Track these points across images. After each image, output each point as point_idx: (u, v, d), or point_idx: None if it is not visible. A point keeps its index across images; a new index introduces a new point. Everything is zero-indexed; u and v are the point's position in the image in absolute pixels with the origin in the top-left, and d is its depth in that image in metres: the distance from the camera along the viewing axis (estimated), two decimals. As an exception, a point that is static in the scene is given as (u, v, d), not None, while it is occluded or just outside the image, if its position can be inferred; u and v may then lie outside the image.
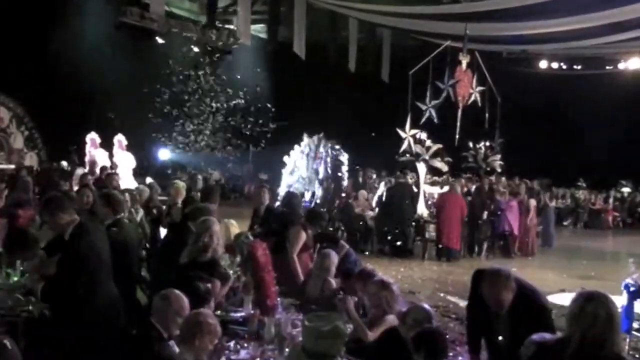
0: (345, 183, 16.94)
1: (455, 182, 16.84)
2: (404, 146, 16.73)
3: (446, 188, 16.26)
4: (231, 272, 6.74)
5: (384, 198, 16.31)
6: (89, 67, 20.54)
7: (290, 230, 8.28)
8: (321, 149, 16.16)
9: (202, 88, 27.09)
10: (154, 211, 9.98)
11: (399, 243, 15.59)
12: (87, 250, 5.04)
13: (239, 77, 27.90)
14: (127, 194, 9.09)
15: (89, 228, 5.22)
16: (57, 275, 5.02)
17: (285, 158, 16.64)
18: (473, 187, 17.81)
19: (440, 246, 15.37)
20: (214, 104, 27.44)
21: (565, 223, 25.13)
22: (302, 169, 16.40)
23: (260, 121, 27.82)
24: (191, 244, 6.22)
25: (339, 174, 16.37)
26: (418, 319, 5.00)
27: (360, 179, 19.91)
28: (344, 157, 16.33)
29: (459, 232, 15.36)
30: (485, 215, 16.14)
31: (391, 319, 5.52)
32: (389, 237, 15.73)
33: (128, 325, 5.20)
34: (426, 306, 5.41)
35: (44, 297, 5.21)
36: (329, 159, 16.09)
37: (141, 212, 9.67)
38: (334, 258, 7.30)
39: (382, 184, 17.72)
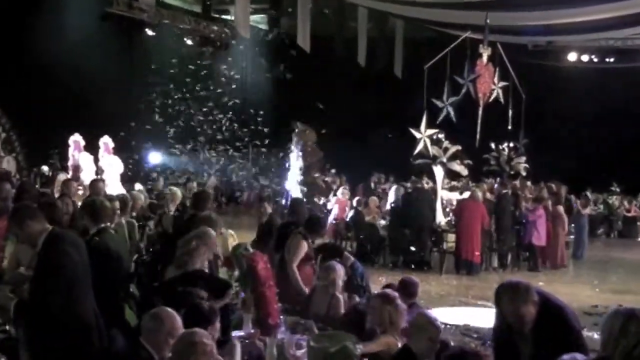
0: (322, 184, 17.06)
1: (478, 187, 16.80)
2: (419, 148, 16.70)
3: (467, 194, 16.22)
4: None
5: (399, 204, 16.28)
6: (72, 63, 20.58)
7: (289, 240, 8.28)
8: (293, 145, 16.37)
9: (196, 85, 27.15)
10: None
11: (415, 254, 15.58)
12: (61, 260, 5.00)
13: (235, 74, 27.92)
14: (116, 202, 9.09)
15: (63, 237, 5.20)
16: (30, 291, 5.02)
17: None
18: (495, 193, 17.76)
19: (459, 258, 15.34)
20: (210, 103, 27.49)
21: (597, 232, 25.04)
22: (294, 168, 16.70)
23: (260, 118, 27.80)
24: (179, 250, 6.23)
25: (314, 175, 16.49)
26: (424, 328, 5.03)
27: (372, 184, 19.93)
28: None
29: (479, 242, 15.30)
30: (509, 224, 16.10)
31: (390, 342, 5.48)
32: (404, 248, 15.71)
33: (112, 347, 5.19)
34: (429, 313, 5.40)
35: (16, 315, 5.18)
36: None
37: (134, 222, 9.66)
38: (340, 270, 7.28)
39: (394, 189, 17.70)
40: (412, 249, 15.60)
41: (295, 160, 17.07)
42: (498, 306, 4.91)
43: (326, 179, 20.05)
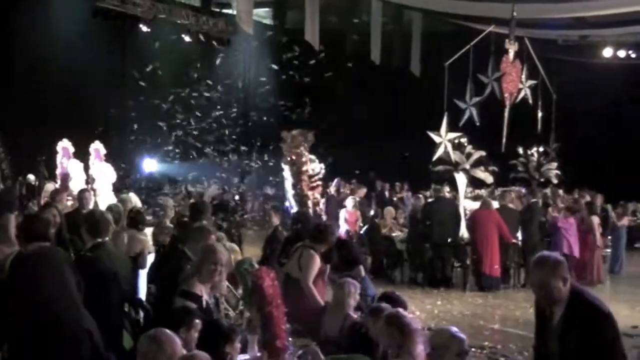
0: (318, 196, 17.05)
1: (504, 196, 16.77)
2: (439, 153, 16.70)
3: (494, 204, 16.21)
4: (230, 310, 6.76)
5: (418, 215, 16.28)
6: (60, 63, 20.72)
7: (299, 255, 8.28)
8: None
9: (195, 85, 27.19)
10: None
11: (436, 270, 15.58)
12: (26, 287, 5.09)
13: (238, 73, 27.98)
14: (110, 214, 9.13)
15: (30, 258, 5.27)
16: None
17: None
18: (522, 203, 17.73)
19: (477, 273, 15.36)
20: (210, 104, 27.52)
21: (636, 245, 24.94)
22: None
23: (264, 117, 27.76)
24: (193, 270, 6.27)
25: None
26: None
27: (387, 193, 19.92)
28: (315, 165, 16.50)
29: (497, 254, 15.29)
30: (538, 236, 16.08)
31: None
32: (424, 263, 15.71)
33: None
34: (445, 327, 5.38)
35: None
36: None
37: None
38: (354, 288, 7.29)
39: (412, 199, 17.72)
40: (433, 264, 15.59)
41: (288, 175, 17.17)
42: (531, 284, 5.08)
43: (331, 189, 20.05)
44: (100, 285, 6.25)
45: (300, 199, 16.64)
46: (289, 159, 16.48)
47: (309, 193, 16.90)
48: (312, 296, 8.01)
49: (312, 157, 17.56)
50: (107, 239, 6.85)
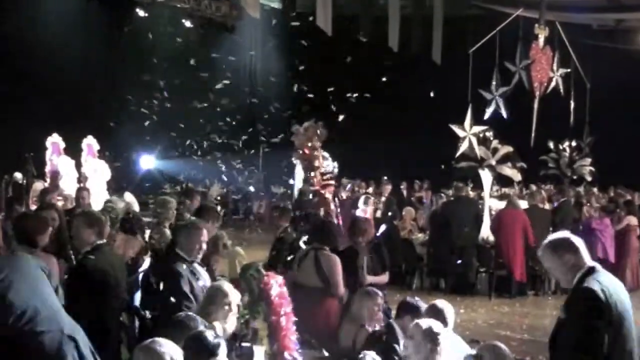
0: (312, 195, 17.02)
1: (533, 195, 16.73)
2: (463, 148, 16.69)
3: (522, 203, 16.16)
4: (236, 316, 6.77)
5: (439, 216, 16.26)
6: (50, 51, 20.73)
7: (318, 261, 8.23)
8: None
9: (196, 75, 27.23)
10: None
11: (458, 275, 15.57)
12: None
13: (243, 62, 28.00)
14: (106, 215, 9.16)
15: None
16: None
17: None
18: (553, 202, 17.70)
19: (501, 277, 15.36)
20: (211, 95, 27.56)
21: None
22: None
23: (272, 110, 27.79)
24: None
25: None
26: None
27: (405, 192, 19.89)
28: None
29: (523, 257, 15.26)
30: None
31: None
32: (446, 268, 15.70)
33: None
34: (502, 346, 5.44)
35: None
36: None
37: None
38: (379, 299, 7.30)
39: (434, 197, 17.70)
40: (455, 269, 15.58)
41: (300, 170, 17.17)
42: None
43: (343, 194, 20.00)
44: (102, 291, 6.34)
45: (313, 196, 16.61)
46: (300, 152, 16.45)
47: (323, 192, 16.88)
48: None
49: (325, 154, 17.55)
50: (105, 241, 6.94)
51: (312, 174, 15.74)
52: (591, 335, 4.93)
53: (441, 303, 6.90)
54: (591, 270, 5.21)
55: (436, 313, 6.56)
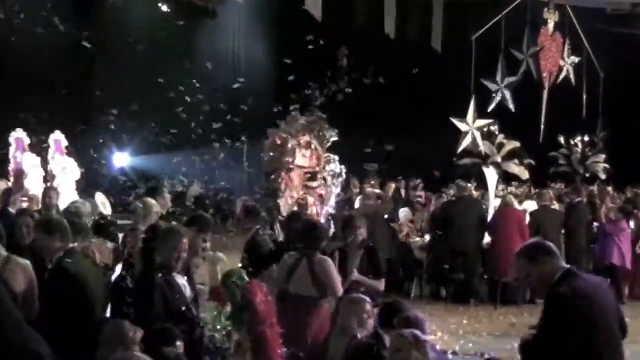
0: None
1: (542, 195, 16.72)
2: (466, 143, 16.71)
3: (529, 204, 16.17)
4: (219, 327, 6.76)
5: (439, 217, 16.26)
6: (11, 38, 20.65)
7: (311, 267, 8.21)
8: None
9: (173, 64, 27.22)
10: None
11: (460, 282, 15.59)
12: None
13: (225, 51, 27.98)
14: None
15: None
16: None
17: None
18: (564, 202, 17.71)
19: (497, 282, 15.35)
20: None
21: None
22: None
23: (257, 104, 27.75)
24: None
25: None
26: None
27: (403, 192, 19.85)
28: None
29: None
30: (584, 242, 16.06)
31: None
32: (446, 274, 15.71)
33: None
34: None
35: None
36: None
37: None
38: (367, 306, 7.28)
39: (434, 198, 17.70)
40: (456, 276, 15.58)
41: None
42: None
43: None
44: (79, 301, 6.31)
45: (271, 192, 16.53)
46: (271, 139, 16.36)
47: (292, 192, 16.83)
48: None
49: (334, 157, 17.59)
50: (77, 244, 6.91)
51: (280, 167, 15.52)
52: (558, 341, 5.18)
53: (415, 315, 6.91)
54: (567, 274, 5.48)
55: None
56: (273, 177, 17.12)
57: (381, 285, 8.97)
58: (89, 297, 6.57)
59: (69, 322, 6.15)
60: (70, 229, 7.04)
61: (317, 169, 17.44)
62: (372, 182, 20.12)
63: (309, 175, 16.82)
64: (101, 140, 26.31)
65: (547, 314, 5.36)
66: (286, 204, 16.56)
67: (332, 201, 17.80)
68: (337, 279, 8.14)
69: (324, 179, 17.33)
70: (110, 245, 9.36)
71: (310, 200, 16.31)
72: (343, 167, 17.59)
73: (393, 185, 19.58)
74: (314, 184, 17.08)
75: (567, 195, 18.58)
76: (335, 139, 16.55)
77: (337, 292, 8.05)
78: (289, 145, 16.66)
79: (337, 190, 19.47)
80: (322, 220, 15.47)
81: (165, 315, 6.41)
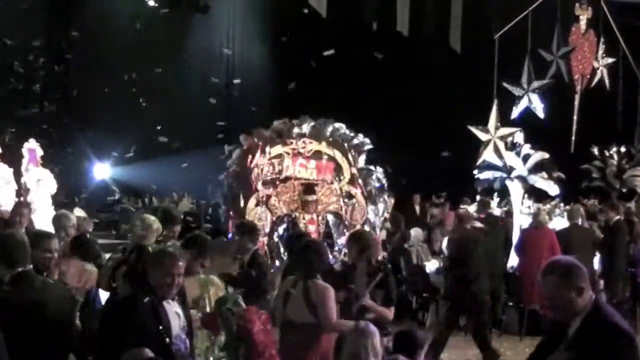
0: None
1: (574, 212, 16.68)
2: (486, 155, 16.68)
3: (558, 221, 16.14)
4: (212, 359, 6.75)
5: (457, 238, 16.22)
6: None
7: (307, 291, 8.21)
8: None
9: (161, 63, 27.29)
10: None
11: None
12: None
13: (220, 48, 28.04)
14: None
15: None
16: None
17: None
18: (599, 220, 17.69)
19: (524, 309, 15.32)
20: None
21: None
22: None
23: (252, 107, 27.80)
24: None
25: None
26: None
27: (417, 207, 19.84)
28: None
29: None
30: (622, 265, 16.02)
31: None
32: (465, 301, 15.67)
33: None
34: None
35: None
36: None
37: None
38: (376, 336, 7.27)
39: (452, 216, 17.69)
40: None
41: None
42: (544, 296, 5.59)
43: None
44: (27, 332, 6.21)
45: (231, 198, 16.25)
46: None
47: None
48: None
49: (376, 168, 17.37)
50: (29, 267, 6.64)
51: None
52: None
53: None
54: (599, 303, 5.38)
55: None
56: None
57: (390, 313, 8.97)
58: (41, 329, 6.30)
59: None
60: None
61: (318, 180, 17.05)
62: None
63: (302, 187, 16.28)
64: (80, 149, 26.41)
65: (603, 349, 5.12)
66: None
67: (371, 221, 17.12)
68: (331, 307, 8.10)
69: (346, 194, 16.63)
70: (89, 266, 9.34)
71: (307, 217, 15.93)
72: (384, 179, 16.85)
73: (391, 200, 19.47)
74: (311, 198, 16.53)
75: (600, 213, 18.55)
76: (370, 146, 15.99)
77: (328, 320, 8.02)
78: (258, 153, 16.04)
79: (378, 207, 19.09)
80: (341, 242, 15.21)
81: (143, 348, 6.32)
